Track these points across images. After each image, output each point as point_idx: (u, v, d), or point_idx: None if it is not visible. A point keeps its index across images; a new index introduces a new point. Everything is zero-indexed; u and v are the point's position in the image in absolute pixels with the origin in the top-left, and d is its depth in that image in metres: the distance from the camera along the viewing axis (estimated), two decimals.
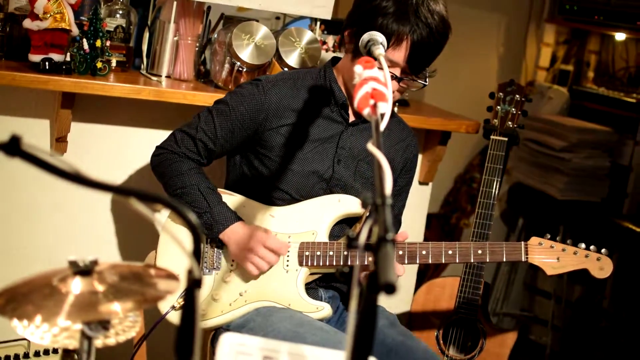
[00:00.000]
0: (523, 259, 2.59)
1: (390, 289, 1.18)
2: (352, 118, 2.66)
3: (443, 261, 2.57)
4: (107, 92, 2.89)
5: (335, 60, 2.75)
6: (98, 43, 2.92)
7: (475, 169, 5.52)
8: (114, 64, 3.03)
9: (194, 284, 1.31)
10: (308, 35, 3.17)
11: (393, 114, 2.74)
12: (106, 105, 3.12)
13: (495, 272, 5.37)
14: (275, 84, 2.63)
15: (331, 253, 2.57)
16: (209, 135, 2.61)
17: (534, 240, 2.61)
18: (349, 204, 2.60)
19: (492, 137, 3.26)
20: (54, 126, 3.00)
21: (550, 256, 2.60)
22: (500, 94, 3.27)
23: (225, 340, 1.65)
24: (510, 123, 3.24)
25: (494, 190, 3.22)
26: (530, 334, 5.19)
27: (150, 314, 2.61)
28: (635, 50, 5.30)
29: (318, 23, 3.35)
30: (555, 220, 4.99)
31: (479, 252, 2.58)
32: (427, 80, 2.61)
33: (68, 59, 2.89)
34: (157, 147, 2.70)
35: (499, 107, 3.26)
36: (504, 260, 2.61)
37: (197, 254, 1.32)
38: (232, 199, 2.66)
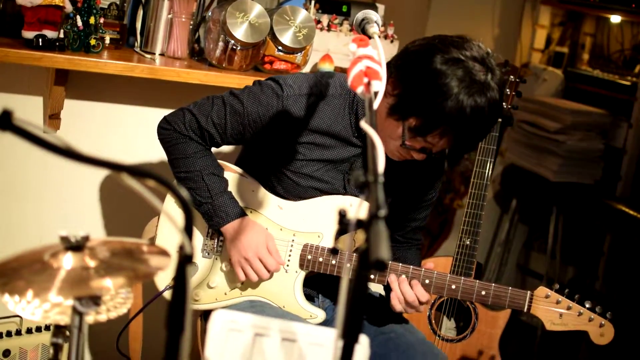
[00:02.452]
0: (525, 309, 2.49)
1: (381, 265, 1.18)
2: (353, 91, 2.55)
3: (444, 295, 2.50)
4: (101, 69, 2.88)
5: None
6: (92, 20, 2.90)
7: None
8: (107, 41, 3.02)
9: (185, 259, 1.31)
10: (302, 14, 3.15)
11: None
12: (100, 83, 3.11)
13: (488, 252, 5.38)
14: (297, 99, 2.47)
15: (333, 262, 2.51)
16: (217, 130, 2.52)
17: (541, 291, 2.49)
18: (361, 210, 2.54)
19: None
20: (47, 103, 2.99)
21: (553, 312, 2.49)
22: None
23: (217, 317, 1.65)
24: (504, 104, 3.24)
25: (487, 171, 3.22)
26: (522, 315, 5.21)
27: (150, 289, 2.61)
28: (631, 33, 5.30)
29: (313, 2, 3.34)
30: (548, 202, 5.01)
31: (483, 292, 2.48)
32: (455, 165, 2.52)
33: (61, 35, 2.88)
34: (165, 119, 2.59)
35: None
36: (506, 306, 2.51)
37: (189, 230, 1.32)
38: (241, 181, 2.61)
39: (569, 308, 2.50)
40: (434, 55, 2.24)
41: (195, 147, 2.53)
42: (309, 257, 2.52)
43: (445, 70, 2.21)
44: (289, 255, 2.55)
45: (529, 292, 2.49)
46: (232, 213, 2.51)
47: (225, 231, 2.52)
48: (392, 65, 2.33)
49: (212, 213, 2.51)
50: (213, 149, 2.61)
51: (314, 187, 2.54)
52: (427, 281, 2.47)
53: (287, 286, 2.55)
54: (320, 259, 2.52)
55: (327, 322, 2.58)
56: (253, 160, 2.65)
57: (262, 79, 2.57)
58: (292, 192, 2.55)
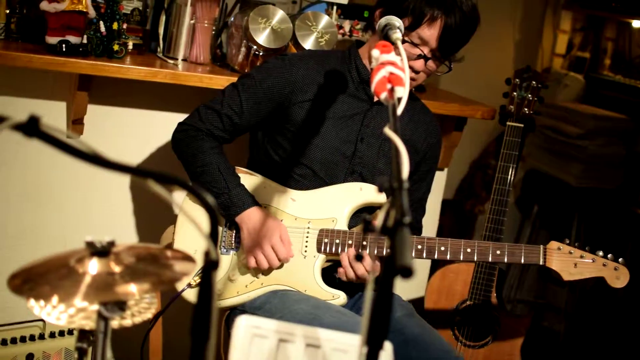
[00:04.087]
0: (541, 263, 2.56)
1: (407, 272, 1.18)
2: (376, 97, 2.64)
3: (461, 259, 2.56)
4: (124, 74, 2.89)
5: (359, 43, 2.75)
6: (115, 25, 2.92)
7: (490, 156, 5.51)
8: (130, 46, 3.04)
9: (210, 265, 1.31)
10: (324, 19, 3.16)
11: (417, 99, 2.75)
12: (123, 88, 3.12)
13: None
14: (301, 59, 2.64)
15: (350, 242, 2.56)
16: (234, 109, 2.61)
17: (553, 244, 2.57)
18: (370, 193, 2.59)
19: (508, 123, 3.25)
20: (71, 108, 3.01)
21: (568, 262, 2.57)
22: (517, 80, 3.26)
23: (241, 323, 1.65)
24: (526, 109, 3.23)
25: (509, 177, 3.21)
26: (544, 320, 5.18)
27: (167, 290, 2.62)
28: None
29: (335, 7, 3.34)
30: (570, 208, 4.98)
31: (498, 252, 2.55)
32: (452, 66, 2.60)
33: (85, 41, 2.90)
34: (180, 124, 2.69)
35: (515, 93, 3.25)
36: (522, 262, 2.57)
37: (214, 236, 1.32)
38: (253, 180, 2.66)
39: (582, 257, 2.59)
40: None
41: (211, 143, 2.62)
42: (326, 240, 2.58)
43: None
44: (306, 242, 2.59)
45: (541, 245, 2.58)
46: (248, 202, 2.57)
47: (241, 221, 2.57)
48: (377, 1, 2.60)
49: (229, 203, 2.56)
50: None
51: (332, 147, 2.61)
52: (442, 248, 2.54)
53: (307, 271, 2.58)
54: (337, 241, 2.58)
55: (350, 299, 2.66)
56: (266, 152, 2.70)
57: None
58: (312, 157, 2.61)
